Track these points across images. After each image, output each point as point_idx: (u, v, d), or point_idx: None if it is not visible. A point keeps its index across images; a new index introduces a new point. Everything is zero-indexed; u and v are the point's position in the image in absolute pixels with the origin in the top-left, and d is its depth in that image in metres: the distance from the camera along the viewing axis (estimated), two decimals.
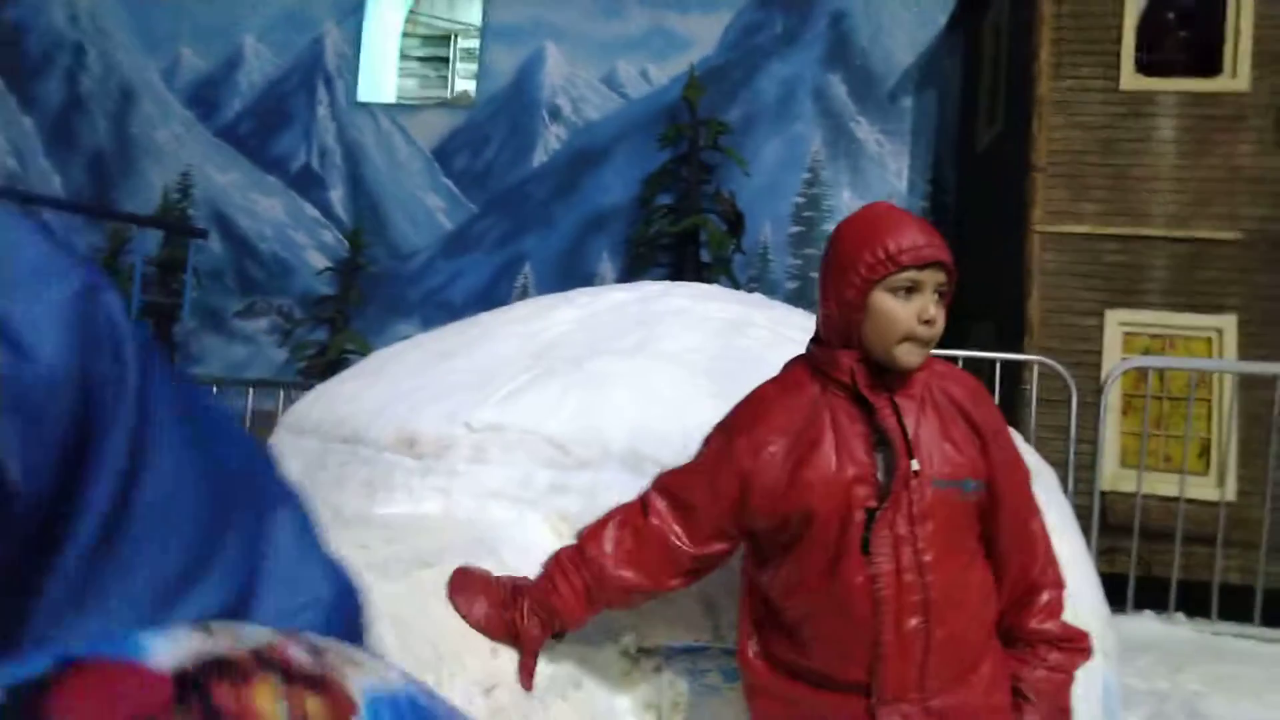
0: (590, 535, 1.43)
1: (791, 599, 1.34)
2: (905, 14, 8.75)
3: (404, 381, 2.11)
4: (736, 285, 7.57)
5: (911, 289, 1.30)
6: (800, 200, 8.87)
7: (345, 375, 2.43)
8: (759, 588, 1.39)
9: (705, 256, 8.83)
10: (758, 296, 2.70)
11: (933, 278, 1.30)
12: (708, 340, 2.12)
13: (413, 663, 1.21)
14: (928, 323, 1.28)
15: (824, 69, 8.91)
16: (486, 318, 2.50)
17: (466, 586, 1.41)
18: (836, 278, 1.34)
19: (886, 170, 8.75)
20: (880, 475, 1.30)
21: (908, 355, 1.30)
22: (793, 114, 8.88)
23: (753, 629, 1.40)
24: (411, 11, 10.99)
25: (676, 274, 8.87)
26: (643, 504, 1.43)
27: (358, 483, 1.90)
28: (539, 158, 9.64)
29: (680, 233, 8.91)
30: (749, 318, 2.25)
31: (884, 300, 1.30)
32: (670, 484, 1.43)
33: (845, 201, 8.72)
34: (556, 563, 1.43)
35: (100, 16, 10.37)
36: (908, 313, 1.29)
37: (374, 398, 2.10)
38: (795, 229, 8.89)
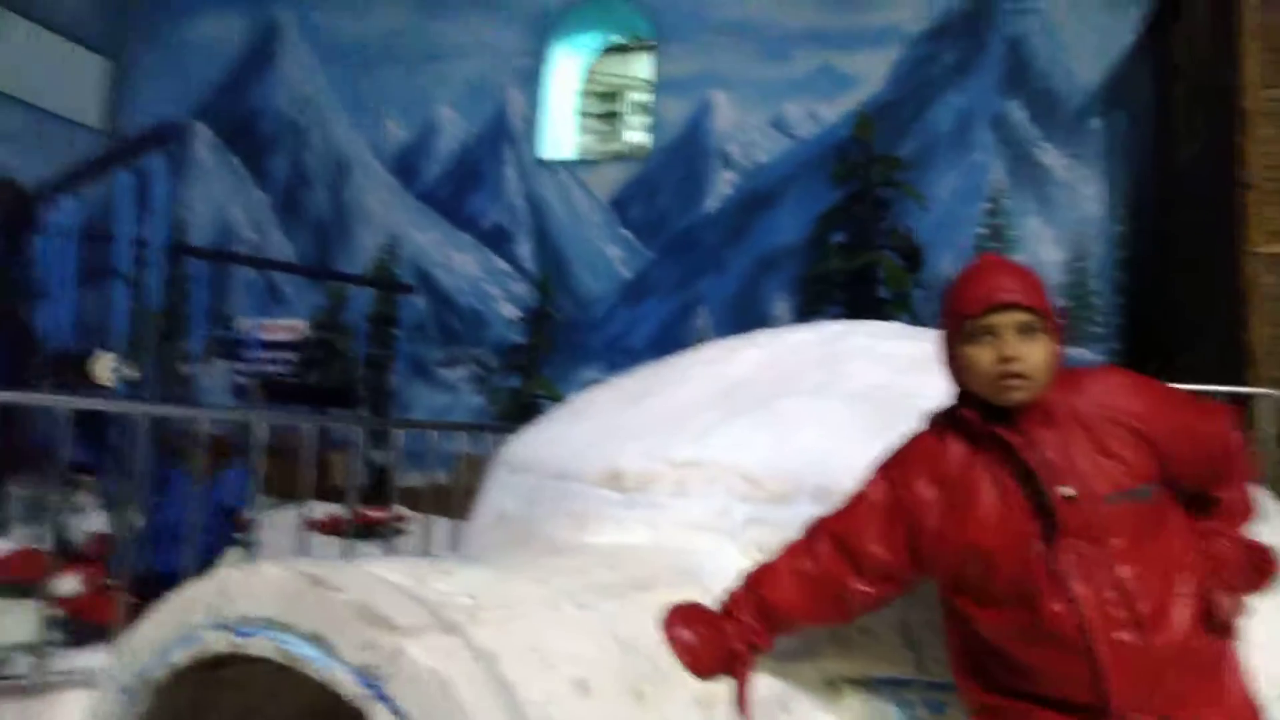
0: (762, 579, 1.52)
1: (995, 631, 1.36)
2: (1088, 33, 8.37)
3: (606, 421, 2.30)
4: (917, 321, 7.42)
5: (990, 332, 1.38)
6: (982, 231, 8.60)
7: (552, 417, 2.65)
8: (961, 617, 1.42)
9: (883, 293, 8.70)
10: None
11: (1010, 319, 1.37)
12: (891, 377, 2.17)
13: (634, 676, 1.34)
14: (1006, 360, 1.36)
15: (1002, 96, 8.65)
16: (676, 360, 2.66)
17: (676, 619, 1.48)
18: (939, 338, 1.50)
19: (1077, 194, 8.34)
20: (1039, 507, 1.34)
21: (1006, 394, 1.38)
22: (970, 144, 8.66)
23: (965, 655, 1.43)
24: (589, 72, 11.62)
25: (853, 312, 8.78)
26: (809, 549, 1.52)
27: (569, 515, 2.08)
28: (711, 203, 9.87)
29: (855, 270, 8.84)
30: (931, 354, 2.28)
31: (965, 351, 1.42)
32: (837, 529, 1.50)
33: (1033, 229, 8.38)
34: (735, 602, 1.51)
35: (318, 98, 11.64)
36: (988, 358, 1.38)
37: (579, 437, 2.29)
38: None
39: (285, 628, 1.16)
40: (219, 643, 1.25)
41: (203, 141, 12.15)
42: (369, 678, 1.08)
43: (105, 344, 4.32)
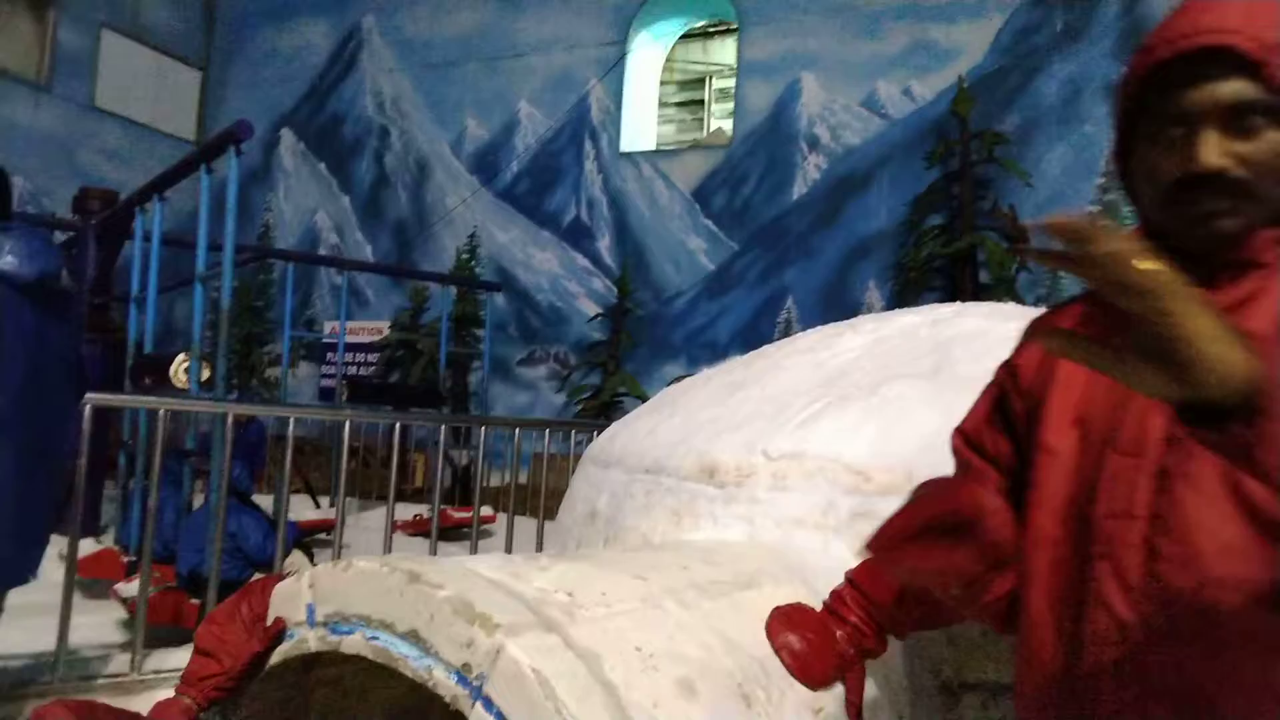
0: (869, 576, 1.38)
1: None
2: None
3: (699, 414, 2.25)
4: (1023, 305, 7.13)
5: (1180, 121, 0.85)
6: (1095, 209, 8.23)
7: (641, 411, 2.62)
8: None
9: (984, 277, 8.41)
10: None
11: (1212, 95, 0.83)
12: None
13: (741, 678, 1.29)
14: (1194, 162, 0.84)
15: (1117, 62, 8.25)
16: (771, 349, 2.60)
17: (781, 624, 1.39)
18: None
19: None
20: None
21: (1195, 221, 0.87)
22: (1080, 115, 8.29)
23: None
24: (668, 59, 11.58)
25: (952, 297, 8.50)
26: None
27: (664, 510, 2.05)
28: (798, 190, 9.71)
29: (954, 254, 8.57)
30: None
31: (1140, 153, 0.91)
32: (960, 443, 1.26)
33: None
34: (841, 602, 1.40)
35: (400, 99, 11.92)
36: (1171, 162, 0.87)
37: (672, 430, 2.25)
38: None
39: (382, 625, 1.15)
40: (314, 640, 1.26)
41: (287, 148, 12.60)
42: (468, 677, 1.06)
43: (186, 347, 4.49)
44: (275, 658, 1.31)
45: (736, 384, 2.29)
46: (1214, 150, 0.84)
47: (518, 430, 3.92)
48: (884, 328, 2.37)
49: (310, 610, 1.25)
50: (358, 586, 1.19)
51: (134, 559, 4.70)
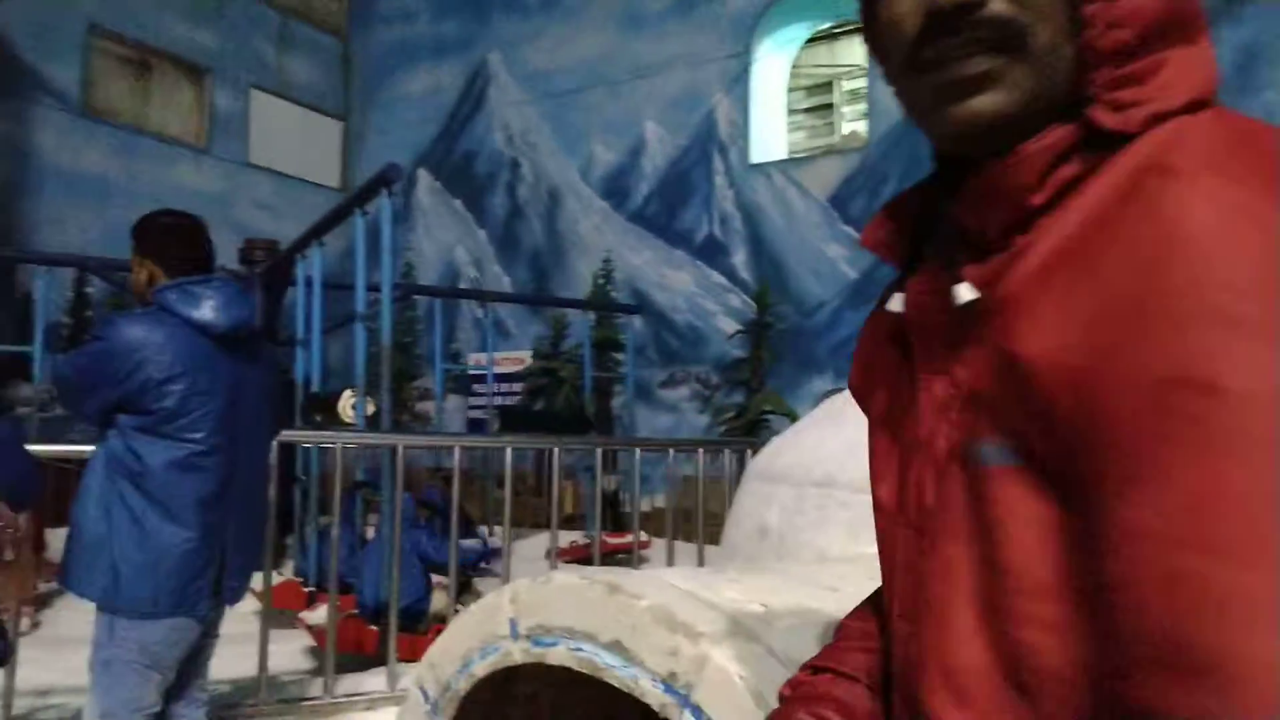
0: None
1: None
2: None
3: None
4: None
5: None
6: None
7: (803, 424, 2.62)
8: None
9: None
10: None
11: None
12: None
13: None
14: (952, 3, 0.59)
15: None
16: None
17: None
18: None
19: None
20: None
21: (943, 96, 0.62)
22: (1258, 83, 7.73)
23: None
24: (794, 65, 11.54)
25: None
26: None
27: (839, 524, 2.05)
28: None
29: None
30: None
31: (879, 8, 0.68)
32: None
33: None
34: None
35: (529, 131, 12.37)
36: (910, 6, 0.63)
37: (841, 442, 2.25)
38: None
39: (585, 636, 1.21)
40: (518, 653, 1.33)
41: (424, 187, 13.26)
42: (674, 685, 1.11)
43: (349, 384, 4.78)
44: (482, 670, 1.39)
45: None
46: None
47: (671, 451, 3.97)
48: None
49: (513, 624, 1.33)
50: (559, 599, 1.26)
51: (314, 589, 5.03)
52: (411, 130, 13.34)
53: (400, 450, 3.36)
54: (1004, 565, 0.58)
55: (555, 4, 12.19)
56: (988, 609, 0.60)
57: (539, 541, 7.35)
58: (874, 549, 1.94)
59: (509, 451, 3.54)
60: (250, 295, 2.39)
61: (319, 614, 4.18)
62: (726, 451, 4.28)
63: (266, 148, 12.79)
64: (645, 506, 7.60)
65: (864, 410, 0.82)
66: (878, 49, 0.71)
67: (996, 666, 0.59)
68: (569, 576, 1.27)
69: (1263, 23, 7.84)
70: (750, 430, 9.66)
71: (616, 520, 8.96)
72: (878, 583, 1.54)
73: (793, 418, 9.63)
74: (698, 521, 3.97)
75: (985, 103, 0.61)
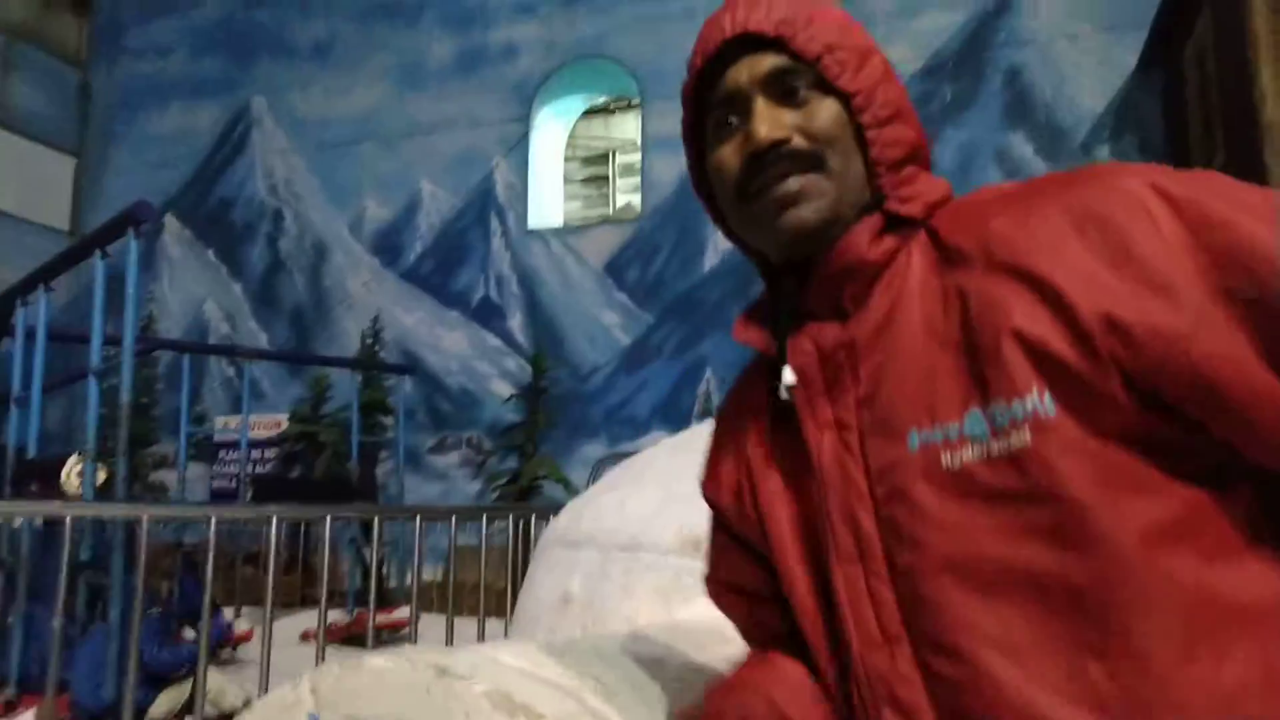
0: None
1: None
2: (1087, 60, 8.60)
3: (672, 486, 2.23)
4: None
5: (731, 104, 0.86)
6: None
7: (599, 488, 2.58)
8: None
9: None
10: None
11: (750, 69, 0.84)
12: None
13: None
14: (756, 140, 0.82)
15: (1005, 129, 8.83)
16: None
17: None
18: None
19: None
20: None
21: (771, 210, 0.83)
22: (975, 179, 8.79)
23: None
24: (571, 136, 11.82)
25: None
26: None
27: (648, 589, 2.00)
28: (710, 260, 9.94)
29: None
30: None
31: (711, 159, 0.89)
32: None
33: None
34: None
35: (294, 182, 11.77)
36: (733, 149, 0.86)
37: (645, 504, 2.22)
38: None
39: None
40: None
41: (172, 234, 12.23)
42: None
43: (73, 449, 4.23)
44: None
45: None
46: (766, 121, 0.82)
47: (454, 519, 3.80)
48: None
49: (320, 718, 1.16)
50: (374, 688, 1.12)
51: (16, 692, 4.31)
52: (158, 172, 12.31)
53: (144, 523, 2.96)
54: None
55: (327, 52, 11.79)
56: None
57: (293, 623, 6.78)
58: (686, 614, 1.90)
59: (275, 523, 3.23)
60: None
61: None
62: (510, 518, 4.14)
63: None
64: (408, 580, 7.23)
65: (737, 506, 0.97)
66: (706, 190, 0.94)
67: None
68: (383, 659, 1.13)
69: (978, 127, 8.97)
70: (523, 496, 9.51)
71: (379, 596, 8.46)
72: (706, 652, 1.50)
73: (566, 484, 9.59)
74: (456, 597, 3.81)
75: (806, 211, 0.83)
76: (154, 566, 5.77)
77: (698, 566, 1.98)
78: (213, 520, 3.04)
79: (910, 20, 9.22)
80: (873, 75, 0.85)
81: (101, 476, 3.99)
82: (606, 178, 12.93)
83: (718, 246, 9.91)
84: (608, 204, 12.78)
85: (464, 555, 4.11)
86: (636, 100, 10.73)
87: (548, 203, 11.14)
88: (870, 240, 0.83)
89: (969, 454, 0.74)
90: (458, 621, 3.83)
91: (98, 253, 4.13)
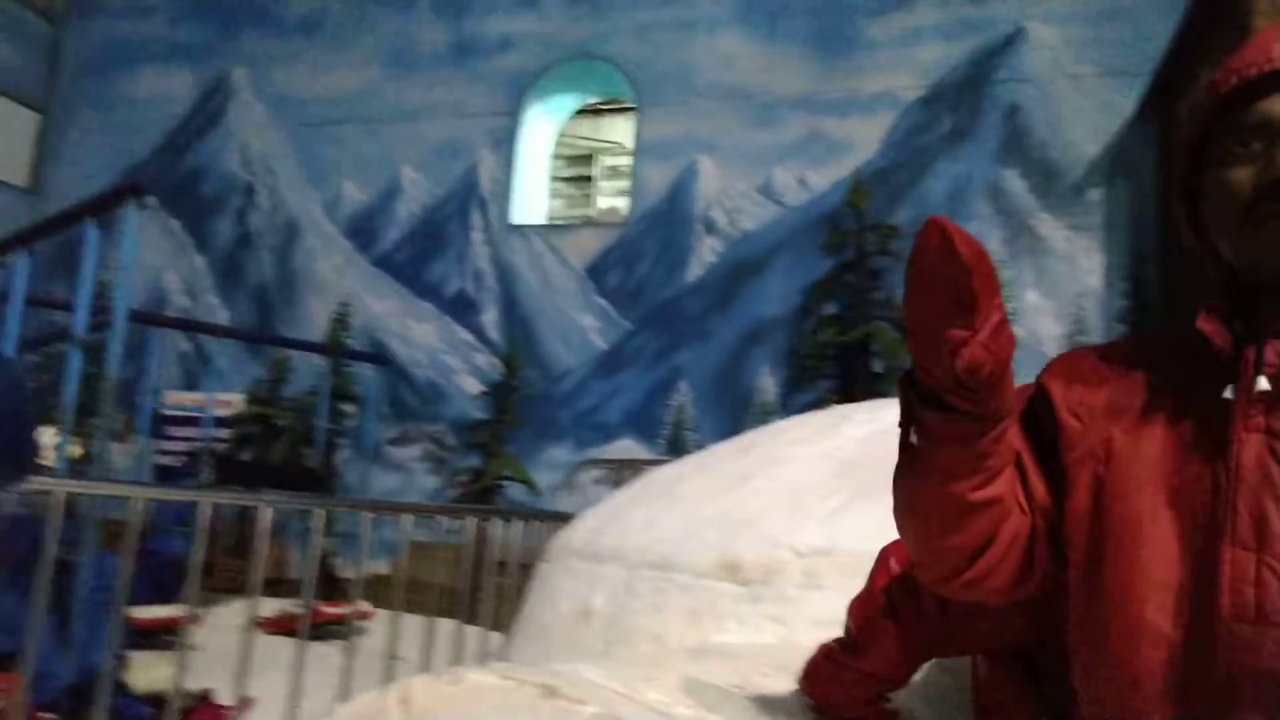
0: None
1: None
2: (1086, 103, 8.81)
3: (705, 506, 2.24)
4: None
5: (1258, 132, 0.92)
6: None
7: (623, 501, 2.58)
8: None
9: (878, 366, 8.83)
10: None
11: None
12: None
13: None
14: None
15: (999, 165, 9.00)
16: (759, 437, 2.63)
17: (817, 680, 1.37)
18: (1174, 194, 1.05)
19: (1077, 267, 8.64)
20: None
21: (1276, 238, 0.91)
22: (966, 213, 8.95)
23: None
24: (562, 134, 11.79)
25: (846, 385, 8.89)
26: None
27: (680, 611, 2.01)
28: (694, 271, 9.98)
29: (848, 343, 8.97)
30: None
31: (1211, 180, 0.97)
32: None
33: (1032, 302, 8.63)
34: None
35: (270, 157, 11.57)
36: (1247, 174, 0.93)
37: (675, 523, 2.23)
38: None
39: None
40: None
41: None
42: None
43: (50, 419, 4.13)
44: None
45: (743, 475, 2.30)
46: None
47: (411, 516, 3.76)
48: (879, 420, 2.44)
49: None
50: (473, 704, 1.11)
51: None
52: (126, 136, 12.03)
53: (140, 503, 2.89)
54: None
55: (316, 29, 11.63)
56: None
57: (238, 609, 6.67)
58: (723, 637, 1.91)
59: (209, 508, 3.16)
60: None
61: None
62: (469, 519, 4.10)
63: None
64: (355, 573, 7.14)
65: (1080, 427, 1.04)
66: (1194, 204, 1.01)
67: None
68: (482, 674, 1.12)
69: (972, 161, 9.14)
70: (484, 495, 9.45)
71: (328, 588, 8.34)
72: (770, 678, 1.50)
73: (530, 484, 9.56)
74: (398, 594, 3.77)
75: None
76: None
77: (734, 591, 2.00)
78: (140, 502, 2.97)
79: (913, 49, 9.36)
80: None
81: (77, 450, 3.89)
82: (589, 178, 12.93)
83: (702, 260, 9.96)
84: (589, 204, 12.77)
85: (419, 550, 4.08)
86: (627, 103, 10.74)
87: (532, 199, 11.10)
88: None
89: None
90: (408, 619, 3.81)
91: (93, 222, 4.03)
